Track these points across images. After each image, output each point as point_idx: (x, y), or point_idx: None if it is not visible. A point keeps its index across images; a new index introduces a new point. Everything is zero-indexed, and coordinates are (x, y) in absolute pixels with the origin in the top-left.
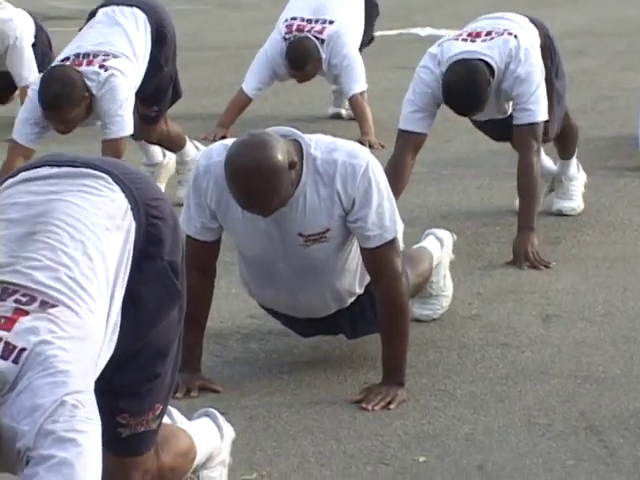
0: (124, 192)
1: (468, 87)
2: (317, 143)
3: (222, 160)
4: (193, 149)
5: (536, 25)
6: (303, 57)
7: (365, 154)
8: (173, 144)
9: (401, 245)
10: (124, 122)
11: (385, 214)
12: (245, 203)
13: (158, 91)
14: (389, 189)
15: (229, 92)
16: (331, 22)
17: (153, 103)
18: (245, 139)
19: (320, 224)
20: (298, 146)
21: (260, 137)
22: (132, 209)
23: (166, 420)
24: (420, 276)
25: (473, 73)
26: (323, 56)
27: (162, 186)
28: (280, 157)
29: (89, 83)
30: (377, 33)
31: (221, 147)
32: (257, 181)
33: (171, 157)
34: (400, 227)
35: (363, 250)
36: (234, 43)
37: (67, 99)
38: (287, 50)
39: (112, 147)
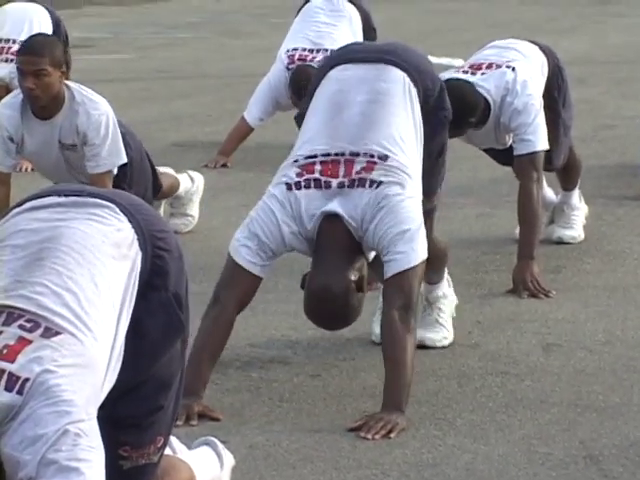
0: (131, 222)
1: (458, 101)
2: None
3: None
4: (187, 182)
5: (545, 54)
6: (306, 85)
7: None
8: (170, 193)
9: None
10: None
11: (412, 241)
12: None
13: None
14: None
15: (230, 120)
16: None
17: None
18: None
19: None
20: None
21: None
22: (138, 239)
23: (166, 450)
24: None
25: (464, 90)
26: None
27: (195, 208)
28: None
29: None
30: None
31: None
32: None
33: (199, 180)
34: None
35: (389, 269)
36: (235, 71)
37: (50, 49)
38: (290, 78)
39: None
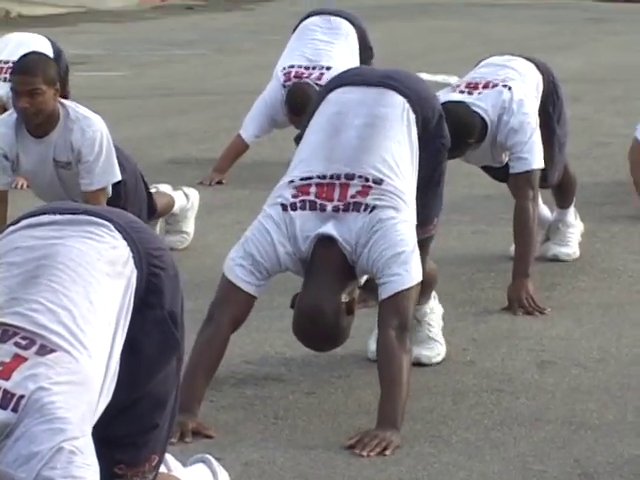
0: (126, 240)
1: (454, 125)
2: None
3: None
4: (182, 200)
5: (541, 71)
6: (303, 102)
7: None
8: (165, 213)
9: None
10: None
11: (406, 263)
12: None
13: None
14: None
15: (226, 137)
16: (328, 68)
17: None
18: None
19: None
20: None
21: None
22: (134, 257)
23: (161, 467)
24: None
25: (461, 113)
26: None
27: (190, 225)
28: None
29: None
30: None
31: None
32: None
33: (194, 197)
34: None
35: (384, 290)
36: (231, 88)
37: (43, 68)
38: (287, 95)
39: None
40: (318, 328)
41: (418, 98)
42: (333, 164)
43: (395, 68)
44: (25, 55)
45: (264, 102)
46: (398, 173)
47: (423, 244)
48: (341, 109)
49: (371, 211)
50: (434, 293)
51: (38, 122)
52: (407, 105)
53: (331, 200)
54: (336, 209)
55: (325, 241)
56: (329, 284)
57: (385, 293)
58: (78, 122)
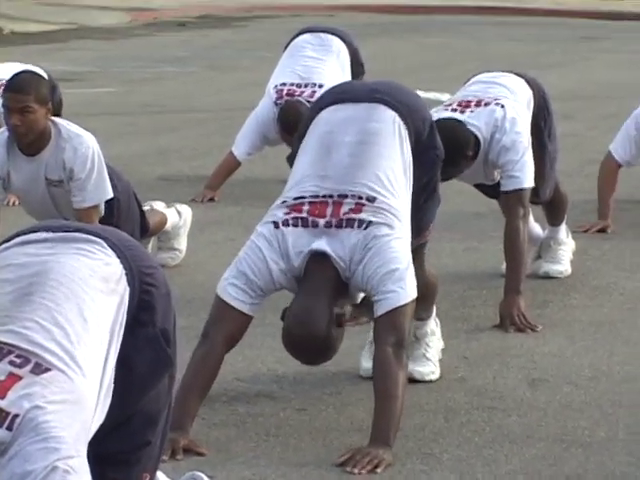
0: (119, 258)
1: (448, 142)
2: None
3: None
4: (174, 218)
5: (532, 86)
6: (295, 120)
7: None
8: (158, 231)
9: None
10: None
11: (401, 280)
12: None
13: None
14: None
15: (217, 154)
16: (320, 86)
17: None
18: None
19: None
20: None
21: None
22: (127, 274)
23: None
24: None
25: (455, 129)
26: None
27: (183, 242)
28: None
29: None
30: None
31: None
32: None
33: (186, 213)
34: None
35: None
36: (223, 105)
37: (35, 86)
38: (279, 114)
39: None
40: (307, 340)
41: (409, 111)
42: (326, 184)
43: (385, 80)
44: (18, 73)
45: (256, 119)
46: (392, 190)
47: (418, 250)
48: (332, 128)
49: (366, 227)
50: (437, 321)
51: (29, 141)
52: (398, 119)
53: (324, 217)
54: (329, 225)
55: (318, 257)
56: (320, 295)
57: (381, 310)
58: (70, 140)
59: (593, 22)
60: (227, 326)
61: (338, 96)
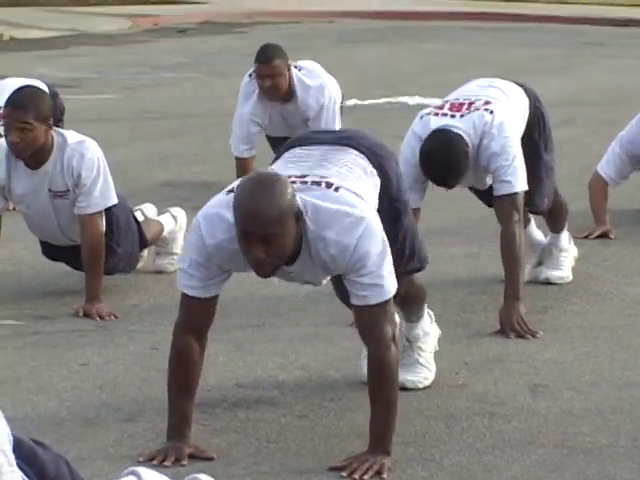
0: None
1: (445, 157)
2: (313, 213)
3: (227, 238)
4: (170, 224)
5: (528, 95)
6: (272, 52)
7: (358, 227)
8: (155, 241)
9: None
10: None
11: (380, 279)
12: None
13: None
14: (386, 251)
15: (217, 159)
16: (296, 66)
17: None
18: (255, 181)
19: (319, 279)
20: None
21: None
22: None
23: None
24: None
25: (450, 143)
26: (298, 93)
27: (179, 245)
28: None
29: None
30: (366, 102)
31: (224, 224)
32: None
33: (181, 217)
34: (394, 290)
35: (356, 307)
36: (222, 111)
37: (36, 104)
38: (257, 53)
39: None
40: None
41: (375, 156)
42: (295, 172)
43: (350, 129)
44: (20, 88)
45: (237, 115)
46: (359, 184)
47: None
48: (297, 156)
49: (336, 190)
50: (431, 314)
51: (26, 156)
52: (367, 161)
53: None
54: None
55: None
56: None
57: (361, 302)
58: (76, 147)
59: (595, 28)
60: (187, 315)
61: (302, 140)
